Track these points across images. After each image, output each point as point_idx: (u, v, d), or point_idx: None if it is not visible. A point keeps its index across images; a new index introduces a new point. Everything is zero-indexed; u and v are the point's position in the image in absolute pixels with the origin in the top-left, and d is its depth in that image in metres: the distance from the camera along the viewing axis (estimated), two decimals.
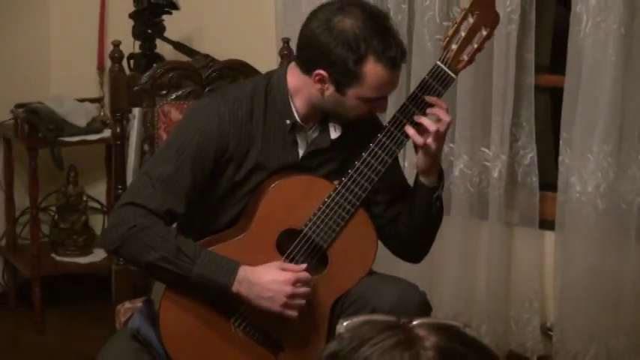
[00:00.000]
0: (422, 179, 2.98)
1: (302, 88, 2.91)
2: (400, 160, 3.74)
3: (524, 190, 4.15)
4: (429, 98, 2.89)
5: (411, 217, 3.03)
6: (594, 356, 4.06)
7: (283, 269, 2.84)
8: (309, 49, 2.86)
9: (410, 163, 3.85)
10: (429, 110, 2.88)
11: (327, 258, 2.95)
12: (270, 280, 2.81)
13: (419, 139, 2.87)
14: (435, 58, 2.98)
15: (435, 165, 2.96)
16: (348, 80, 2.81)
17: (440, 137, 2.88)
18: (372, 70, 2.79)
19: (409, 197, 3.03)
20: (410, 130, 2.88)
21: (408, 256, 3.21)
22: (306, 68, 2.88)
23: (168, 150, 2.93)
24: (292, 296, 2.82)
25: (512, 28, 3.98)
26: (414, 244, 3.12)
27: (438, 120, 2.87)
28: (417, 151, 2.95)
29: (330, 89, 2.85)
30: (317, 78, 2.84)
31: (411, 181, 3.09)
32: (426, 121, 2.87)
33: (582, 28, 3.87)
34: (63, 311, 4.72)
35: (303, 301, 2.85)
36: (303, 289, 2.84)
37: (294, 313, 2.85)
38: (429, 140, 2.86)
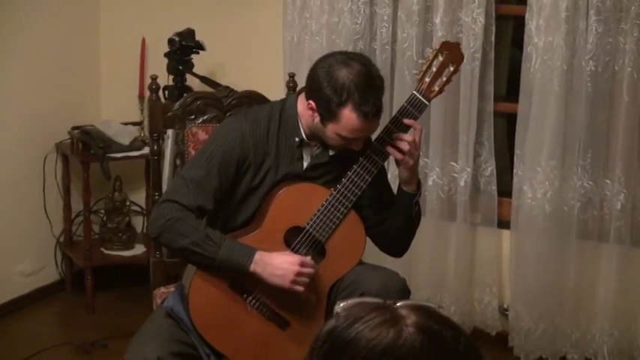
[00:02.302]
0: (403, 188, 2.99)
1: (304, 112, 2.92)
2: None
3: (485, 196, 4.14)
4: (407, 121, 2.91)
5: (395, 218, 3.04)
6: (543, 331, 4.06)
7: (290, 254, 2.86)
8: (310, 82, 2.87)
9: (392, 175, 3.84)
10: (396, 135, 2.89)
11: (325, 250, 2.95)
12: (281, 261, 2.83)
13: (398, 155, 2.89)
14: (413, 89, 2.97)
15: (413, 177, 2.98)
16: (329, 117, 2.81)
17: (412, 154, 2.89)
18: (348, 115, 2.77)
19: (394, 202, 3.04)
20: (390, 149, 2.90)
21: (393, 252, 3.20)
22: (307, 97, 2.89)
23: (200, 158, 2.95)
24: (299, 274, 2.83)
25: (475, 65, 3.98)
26: (397, 241, 3.12)
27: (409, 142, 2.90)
28: (398, 166, 2.96)
29: (317, 118, 2.85)
30: (309, 106, 2.86)
31: (395, 191, 3.09)
32: (400, 142, 2.89)
33: (532, 64, 3.87)
34: (110, 295, 4.71)
35: (307, 280, 2.85)
36: (307, 269, 2.85)
37: (300, 289, 2.86)
38: (406, 157, 2.89)
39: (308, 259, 2.87)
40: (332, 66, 2.80)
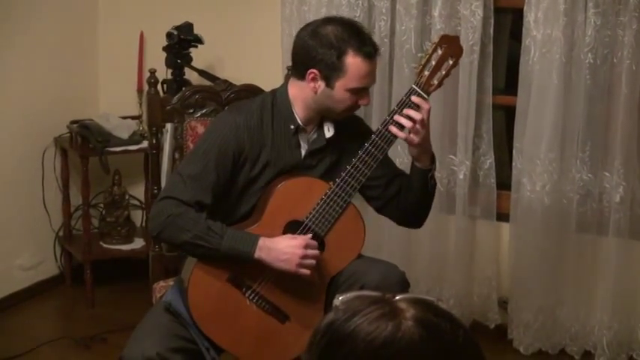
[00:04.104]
0: (416, 164, 2.99)
1: (299, 94, 2.92)
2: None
3: (484, 189, 4.14)
4: (414, 98, 2.89)
5: (410, 193, 3.03)
6: (542, 323, 4.06)
7: (294, 238, 2.85)
8: (300, 54, 2.88)
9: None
10: (405, 111, 2.88)
11: (324, 244, 2.94)
12: (285, 245, 2.82)
13: (400, 134, 2.88)
14: (411, 82, 2.97)
15: (423, 153, 2.96)
16: (334, 73, 2.83)
17: (418, 131, 2.87)
18: (352, 61, 2.81)
19: (408, 179, 3.04)
20: (391, 128, 2.88)
21: (411, 223, 3.20)
22: (300, 73, 2.90)
23: (195, 153, 2.94)
24: (304, 257, 2.83)
25: (474, 58, 3.98)
26: (415, 213, 3.11)
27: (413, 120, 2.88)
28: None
29: (321, 86, 2.86)
30: (310, 77, 2.86)
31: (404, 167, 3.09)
32: (402, 119, 2.87)
33: (531, 57, 3.87)
34: (109, 289, 4.71)
35: (313, 262, 2.85)
36: (312, 251, 2.85)
37: (307, 272, 2.85)
38: (410, 135, 2.88)
39: (311, 240, 2.86)
40: (314, 30, 2.86)
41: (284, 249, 2.82)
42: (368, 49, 2.82)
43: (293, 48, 2.93)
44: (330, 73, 2.83)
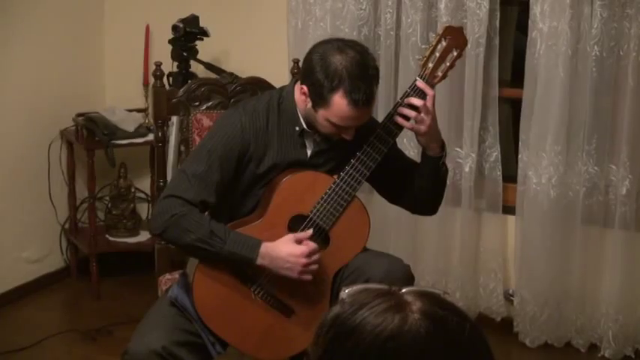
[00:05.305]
0: (427, 152, 2.99)
1: (299, 98, 2.91)
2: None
3: (490, 182, 4.14)
4: (419, 83, 2.90)
5: (422, 182, 3.02)
6: (548, 316, 4.06)
7: (297, 240, 2.83)
8: (304, 66, 2.86)
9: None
10: (407, 100, 2.90)
11: (329, 238, 2.94)
12: (287, 253, 2.81)
13: (406, 124, 2.89)
14: (417, 74, 2.96)
15: (432, 141, 2.96)
16: (320, 102, 2.80)
17: (423, 120, 2.88)
18: (338, 101, 2.76)
19: (419, 167, 3.04)
20: (398, 120, 2.89)
21: (425, 211, 3.20)
22: (300, 81, 2.89)
23: (200, 152, 2.93)
24: (306, 265, 2.82)
25: (480, 51, 3.97)
26: (428, 201, 3.11)
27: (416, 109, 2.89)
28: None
29: (309, 104, 2.84)
30: (302, 90, 2.85)
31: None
32: (405, 110, 2.89)
33: (537, 50, 3.86)
34: (115, 282, 4.71)
35: (316, 266, 2.85)
36: (315, 257, 2.84)
37: (308, 277, 2.86)
38: (415, 124, 2.89)
39: (313, 246, 2.85)
40: (327, 51, 2.79)
41: (286, 258, 2.81)
42: (357, 97, 2.75)
43: (305, 55, 2.88)
44: (317, 99, 2.81)
